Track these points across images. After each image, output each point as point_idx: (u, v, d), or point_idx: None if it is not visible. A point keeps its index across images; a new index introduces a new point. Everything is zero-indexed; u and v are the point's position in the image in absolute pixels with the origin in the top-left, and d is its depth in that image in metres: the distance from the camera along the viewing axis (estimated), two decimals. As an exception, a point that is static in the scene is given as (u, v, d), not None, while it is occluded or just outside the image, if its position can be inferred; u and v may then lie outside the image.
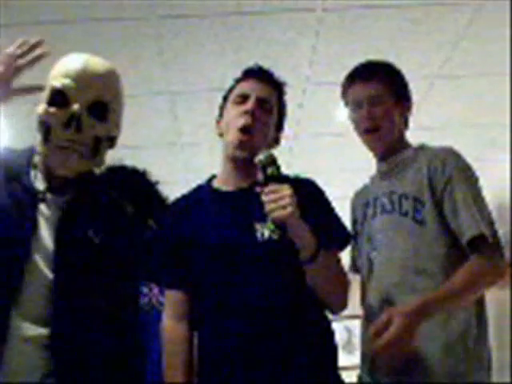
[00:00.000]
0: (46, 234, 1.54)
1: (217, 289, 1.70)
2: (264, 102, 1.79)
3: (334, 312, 1.75)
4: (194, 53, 3.23)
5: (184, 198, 1.88)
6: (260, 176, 1.61)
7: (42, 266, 1.51)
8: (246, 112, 1.75)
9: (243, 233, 1.70)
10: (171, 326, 1.76)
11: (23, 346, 1.46)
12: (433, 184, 1.85)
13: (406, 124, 2.04)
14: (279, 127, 1.87)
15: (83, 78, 1.54)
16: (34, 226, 1.53)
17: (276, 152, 1.69)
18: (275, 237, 1.65)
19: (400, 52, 3.29)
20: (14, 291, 1.47)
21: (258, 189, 1.60)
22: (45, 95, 1.57)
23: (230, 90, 1.87)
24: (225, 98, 1.88)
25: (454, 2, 2.99)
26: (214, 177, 1.87)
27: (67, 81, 1.54)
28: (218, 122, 1.87)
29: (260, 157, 1.62)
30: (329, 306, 1.73)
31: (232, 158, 1.78)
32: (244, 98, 1.79)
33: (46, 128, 1.54)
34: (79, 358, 1.50)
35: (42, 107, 1.56)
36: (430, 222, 1.83)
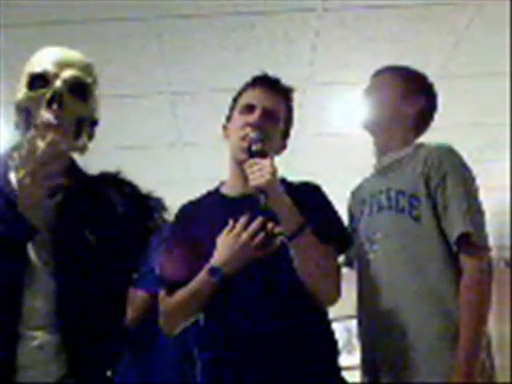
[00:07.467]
0: (42, 238, 1.50)
1: (221, 290, 1.71)
2: (270, 113, 1.79)
3: (322, 305, 1.74)
4: (195, 53, 3.23)
5: (192, 203, 1.90)
6: (246, 152, 1.70)
7: (42, 272, 1.49)
8: (250, 124, 1.76)
9: None
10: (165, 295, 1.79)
11: (35, 354, 1.45)
12: (428, 181, 1.86)
13: (414, 123, 2.07)
14: (286, 134, 1.88)
15: (63, 61, 1.55)
16: (28, 233, 1.47)
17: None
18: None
19: (400, 52, 3.28)
20: (17, 303, 1.45)
21: (244, 164, 1.69)
22: (23, 82, 1.55)
23: (238, 95, 1.87)
24: (233, 104, 1.88)
25: (453, 2, 2.99)
26: (222, 184, 1.90)
27: (47, 65, 1.54)
28: (224, 126, 1.89)
29: (251, 135, 1.72)
30: (316, 297, 1.71)
31: (237, 161, 1.79)
32: (250, 109, 1.79)
33: (27, 113, 1.52)
34: (94, 357, 1.52)
35: (21, 93, 1.54)
36: (426, 219, 1.84)
